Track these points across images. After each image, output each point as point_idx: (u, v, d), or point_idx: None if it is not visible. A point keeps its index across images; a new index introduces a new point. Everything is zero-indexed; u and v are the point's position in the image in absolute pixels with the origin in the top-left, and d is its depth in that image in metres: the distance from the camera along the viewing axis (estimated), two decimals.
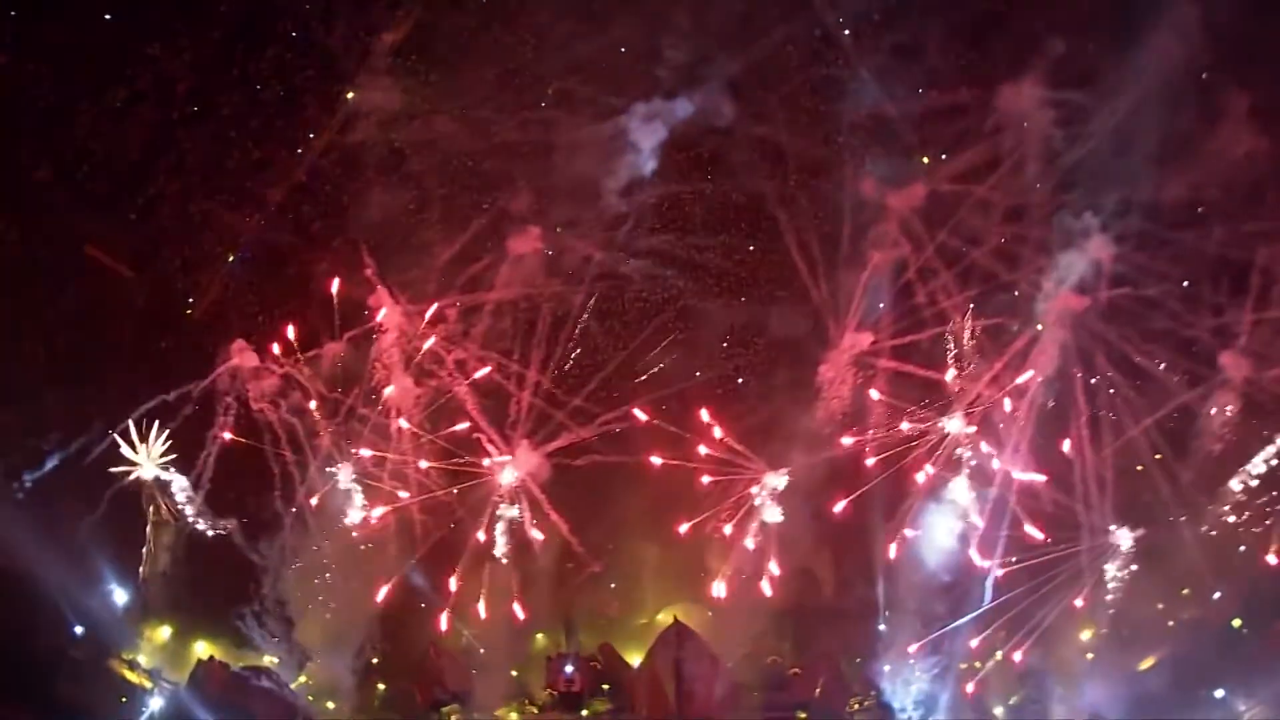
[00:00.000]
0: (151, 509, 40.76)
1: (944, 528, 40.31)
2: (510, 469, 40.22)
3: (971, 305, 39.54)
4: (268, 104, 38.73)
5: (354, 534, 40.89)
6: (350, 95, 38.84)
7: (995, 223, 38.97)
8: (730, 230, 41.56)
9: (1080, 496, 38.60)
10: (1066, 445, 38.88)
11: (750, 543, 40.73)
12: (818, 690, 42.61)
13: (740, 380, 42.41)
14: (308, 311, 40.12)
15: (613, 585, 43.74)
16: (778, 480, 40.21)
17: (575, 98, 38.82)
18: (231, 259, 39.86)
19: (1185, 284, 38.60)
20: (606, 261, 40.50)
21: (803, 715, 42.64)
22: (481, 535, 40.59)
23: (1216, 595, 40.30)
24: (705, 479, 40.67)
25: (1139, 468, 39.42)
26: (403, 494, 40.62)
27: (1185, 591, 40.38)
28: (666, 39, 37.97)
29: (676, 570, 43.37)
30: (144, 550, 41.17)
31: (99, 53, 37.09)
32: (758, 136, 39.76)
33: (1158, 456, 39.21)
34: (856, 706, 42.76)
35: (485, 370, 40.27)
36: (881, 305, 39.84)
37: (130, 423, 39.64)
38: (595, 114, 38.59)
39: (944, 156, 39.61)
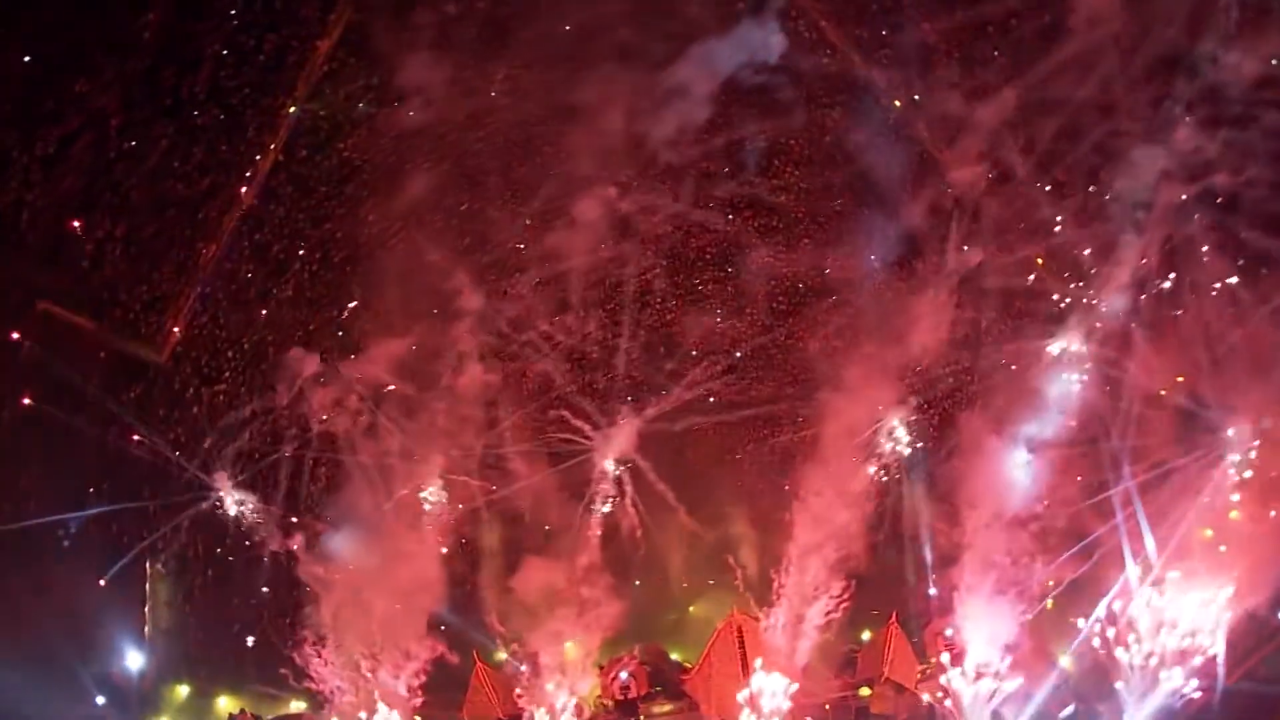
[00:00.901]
0: (149, 563, 39.67)
1: (1020, 460, 38.91)
2: (614, 441, 40.26)
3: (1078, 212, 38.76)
4: (208, 129, 37.52)
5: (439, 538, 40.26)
6: (292, 109, 37.80)
7: (1083, 127, 37.77)
8: (799, 166, 40.86)
9: (1202, 401, 37.48)
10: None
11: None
12: (885, 665, 41.12)
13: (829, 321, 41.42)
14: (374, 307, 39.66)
15: (636, 583, 42.09)
16: (900, 417, 39.68)
17: (626, 51, 37.16)
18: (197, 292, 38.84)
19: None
20: (679, 217, 40.18)
21: (865, 692, 41.28)
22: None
23: (1273, 513, 37.85)
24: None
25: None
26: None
27: (1233, 515, 37.90)
28: None
29: (703, 558, 42.69)
30: (145, 609, 40.15)
31: (23, 96, 35.80)
32: (818, 66, 39.05)
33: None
34: (920, 676, 41.23)
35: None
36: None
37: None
38: (646, 65, 37.13)
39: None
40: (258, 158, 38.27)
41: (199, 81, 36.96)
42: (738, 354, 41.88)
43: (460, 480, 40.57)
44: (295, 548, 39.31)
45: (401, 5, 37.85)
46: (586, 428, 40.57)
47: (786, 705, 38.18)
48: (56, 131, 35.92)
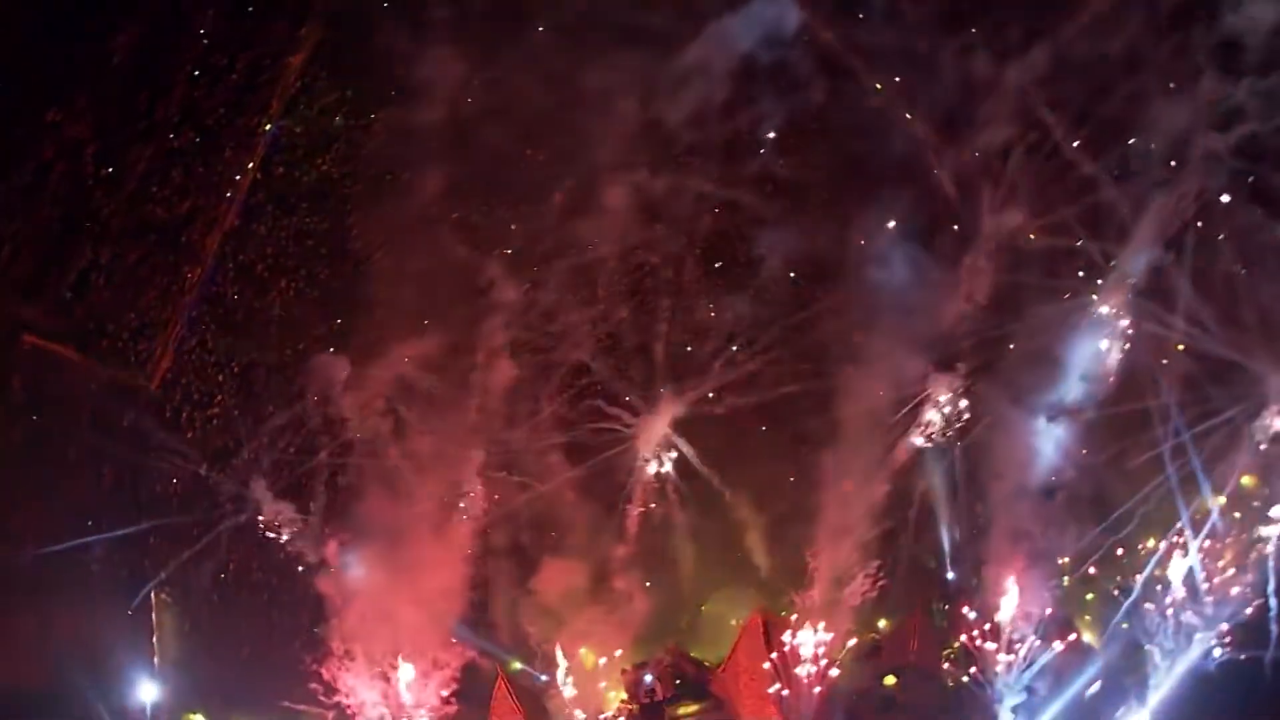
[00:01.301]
0: (154, 593, 39.26)
1: (1049, 429, 38.33)
2: (657, 424, 39.93)
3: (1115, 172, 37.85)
4: (185, 151, 37.49)
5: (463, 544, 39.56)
6: (268, 127, 37.70)
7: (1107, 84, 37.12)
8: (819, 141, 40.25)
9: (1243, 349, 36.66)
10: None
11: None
12: (911, 652, 40.60)
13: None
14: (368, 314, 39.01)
15: (648, 584, 40.89)
16: (950, 387, 39.06)
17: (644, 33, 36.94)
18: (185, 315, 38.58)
19: None
20: (711, 196, 39.73)
21: (890, 680, 40.66)
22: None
23: None
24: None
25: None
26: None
27: (1247, 480, 37.20)
28: None
29: (723, 553, 41.63)
30: (153, 639, 39.73)
31: None
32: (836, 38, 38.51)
33: None
34: (946, 664, 40.63)
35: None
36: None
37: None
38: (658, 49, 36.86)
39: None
40: (237, 177, 38.12)
41: (173, 104, 37.09)
42: (765, 335, 40.75)
43: (476, 484, 40.06)
44: (313, 563, 39.02)
45: (372, 16, 37.97)
46: (625, 415, 40.12)
47: (834, 672, 38.20)
48: (31, 162, 36.10)
